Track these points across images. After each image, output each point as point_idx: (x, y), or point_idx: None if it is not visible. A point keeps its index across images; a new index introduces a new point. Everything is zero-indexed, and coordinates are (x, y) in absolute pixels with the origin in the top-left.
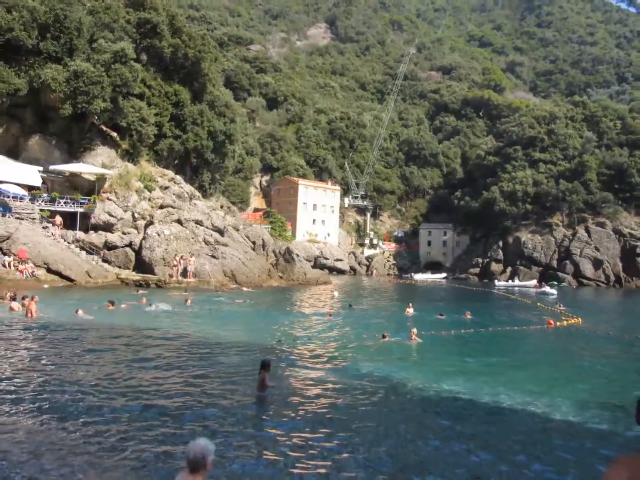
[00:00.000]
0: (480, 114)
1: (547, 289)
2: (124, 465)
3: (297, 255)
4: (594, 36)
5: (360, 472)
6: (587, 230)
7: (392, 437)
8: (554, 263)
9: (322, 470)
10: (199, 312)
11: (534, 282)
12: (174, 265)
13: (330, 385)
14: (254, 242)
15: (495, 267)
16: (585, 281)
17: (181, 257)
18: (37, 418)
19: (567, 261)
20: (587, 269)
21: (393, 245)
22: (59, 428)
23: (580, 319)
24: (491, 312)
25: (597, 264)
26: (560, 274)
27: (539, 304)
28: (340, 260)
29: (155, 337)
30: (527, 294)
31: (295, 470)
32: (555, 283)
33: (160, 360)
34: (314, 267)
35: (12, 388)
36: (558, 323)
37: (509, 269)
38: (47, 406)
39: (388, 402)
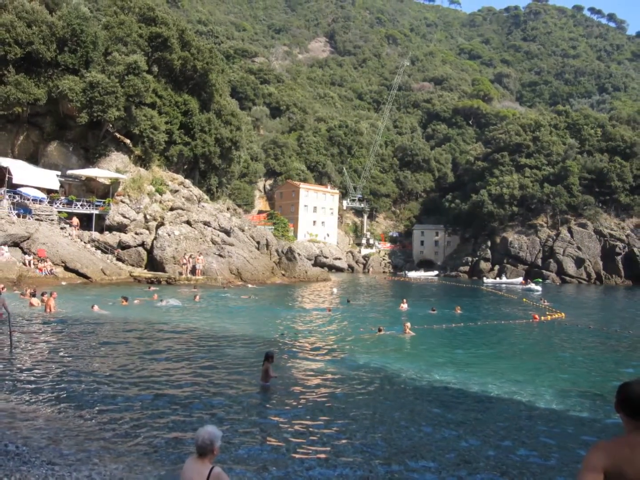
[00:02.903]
0: (470, 122)
1: (532, 285)
2: (137, 450)
3: (299, 254)
4: (576, 49)
5: (357, 457)
6: (570, 231)
7: (387, 424)
8: (539, 261)
9: (322, 455)
10: (207, 307)
11: (520, 279)
12: (184, 264)
13: (329, 376)
14: (258, 242)
15: (484, 265)
16: (568, 278)
17: (190, 256)
18: (56, 406)
19: (551, 260)
20: (570, 267)
21: (388, 244)
22: (76, 416)
23: (563, 314)
24: (480, 307)
25: (579, 262)
26: (544, 271)
27: (524, 299)
28: (339, 258)
29: (166, 330)
30: (514, 290)
31: (297, 455)
32: (540, 280)
33: (171, 353)
34: (314, 265)
35: (32, 378)
36: (542, 317)
37: (496, 267)
38: (64, 395)
39: (383, 391)
